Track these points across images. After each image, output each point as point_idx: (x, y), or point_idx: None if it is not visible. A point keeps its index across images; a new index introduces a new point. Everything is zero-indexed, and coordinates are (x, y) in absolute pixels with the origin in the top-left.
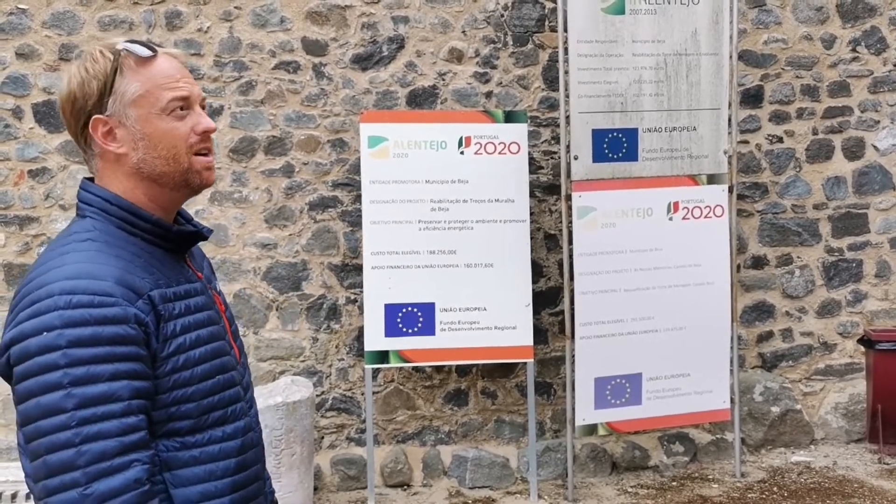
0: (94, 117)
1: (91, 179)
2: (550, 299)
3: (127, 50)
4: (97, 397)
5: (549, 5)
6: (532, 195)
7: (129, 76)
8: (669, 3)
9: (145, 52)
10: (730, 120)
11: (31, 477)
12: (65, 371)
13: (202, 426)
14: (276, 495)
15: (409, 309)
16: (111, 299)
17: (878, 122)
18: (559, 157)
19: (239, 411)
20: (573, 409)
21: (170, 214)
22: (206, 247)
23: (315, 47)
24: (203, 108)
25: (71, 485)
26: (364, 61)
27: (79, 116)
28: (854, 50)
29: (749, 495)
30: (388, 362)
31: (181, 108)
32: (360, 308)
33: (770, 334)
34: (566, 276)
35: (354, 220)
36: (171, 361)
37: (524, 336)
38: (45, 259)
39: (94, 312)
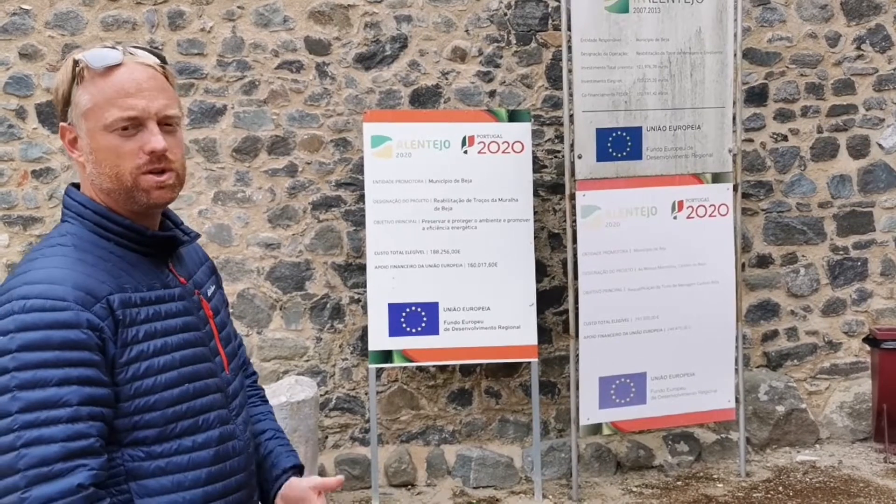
0: (60, 124)
1: (76, 186)
2: (554, 298)
3: (83, 60)
4: (42, 402)
5: (553, 4)
6: (536, 194)
7: (83, 87)
8: (673, 1)
9: (100, 63)
10: (734, 118)
11: None
12: (13, 374)
13: (169, 436)
14: None
15: (413, 308)
16: (63, 303)
17: (884, 120)
18: (563, 156)
19: (213, 420)
20: (577, 408)
21: (150, 220)
22: (209, 247)
23: (318, 47)
24: (170, 123)
25: (12, 489)
26: (367, 60)
27: (59, 119)
28: (859, 48)
29: (754, 495)
30: (391, 362)
31: (125, 128)
32: (364, 308)
33: (775, 333)
34: (570, 275)
35: (358, 219)
36: (132, 368)
37: (528, 335)
38: (20, 264)
39: (45, 316)
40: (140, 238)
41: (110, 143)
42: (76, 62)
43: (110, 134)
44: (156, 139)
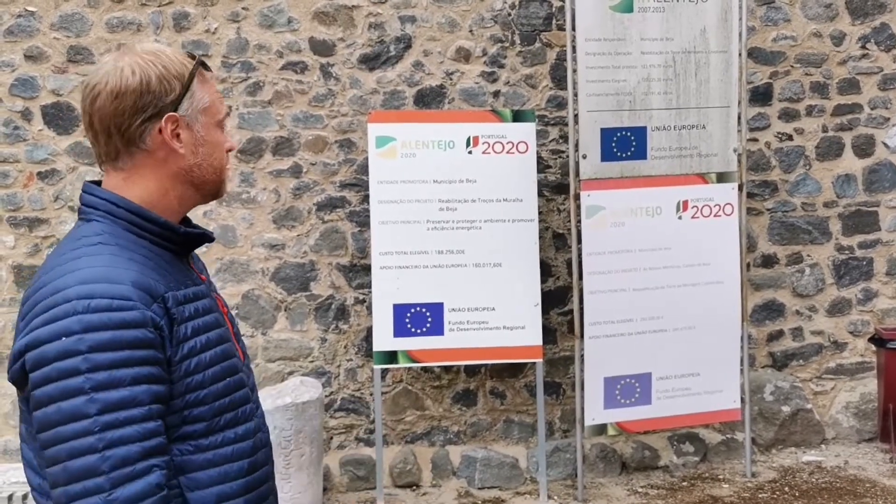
0: (168, 114)
1: (97, 183)
2: (559, 299)
3: (201, 59)
4: (119, 402)
5: (557, 4)
6: (540, 194)
7: (201, 84)
8: (678, 0)
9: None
10: (739, 118)
11: (50, 483)
12: (86, 376)
13: (215, 428)
14: (287, 495)
15: (418, 309)
16: (129, 303)
17: (889, 119)
18: (567, 156)
19: (249, 412)
20: (582, 408)
21: (179, 218)
22: (214, 248)
23: (322, 47)
24: None
25: (94, 490)
26: (371, 61)
27: (143, 109)
28: (864, 47)
29: (760, 495)
30: (396, 362)
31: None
32: (369, 308)
33: (780, 333)
34: (575, 275)
35: (362, 220)
36: (184, 365)
37: (533, 336)
38: (56, 264)
39: (113, 316)
40: (174, 236)
41: (220, 138)
42: (195, 59)
43: (218, 129)
44: (232, 138)
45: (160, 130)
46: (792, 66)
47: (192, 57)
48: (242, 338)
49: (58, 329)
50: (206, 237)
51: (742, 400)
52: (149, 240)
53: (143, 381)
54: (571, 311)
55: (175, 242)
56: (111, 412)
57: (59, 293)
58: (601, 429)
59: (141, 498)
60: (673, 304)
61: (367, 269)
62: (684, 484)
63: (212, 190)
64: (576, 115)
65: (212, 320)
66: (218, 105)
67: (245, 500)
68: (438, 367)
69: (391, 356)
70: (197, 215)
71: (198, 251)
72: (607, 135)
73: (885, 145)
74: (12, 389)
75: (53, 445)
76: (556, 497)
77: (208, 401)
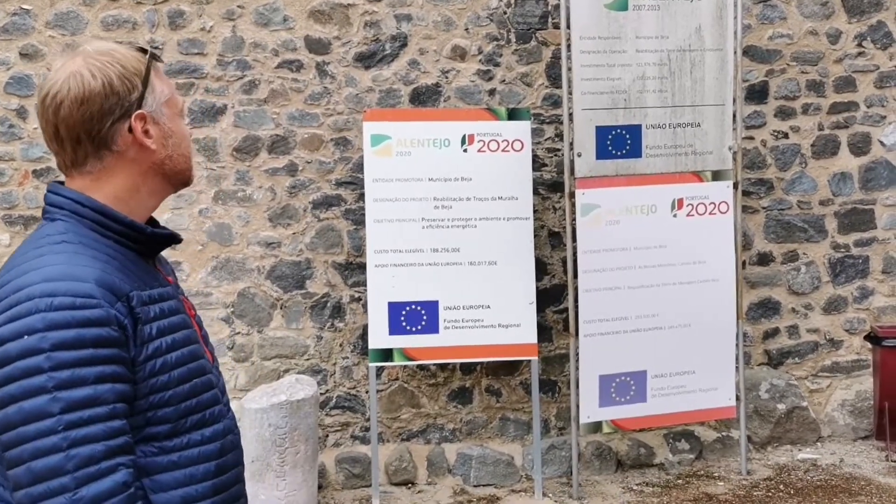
0: (138, 112)
1: (60, 184)
2: (554, 297)
3: (153, 53)
4: (83, 401)
5: (553, 2)
6: (535, 192)
7: (157, 77)
8: None
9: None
10: (734, 116)
11: (13, 485)
12: (49, 375)
13: (181, 430)
14: (282, 493)
15: (413, 307)
16: (93, 301)
17: (885, 117)
18: (563, 155)
19: (217, 414)
20: (578, 406)
21: (149, 214)
22: (210, 246)
23: (318, 46)
24: None
25: (59, 490)
26: (367, 59)
27: (111, 112)
28: (860, 45)
29: (755, 493)
30: (392, 360)
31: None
32: (364, 306)
33: (776, 331)
34: (570, 273)
35: (358, 218)
36: (149, 365)
37: (528, 334)
38: (17, 262)
39: (76, 314)
40: (139, 236)
41: (184, 128)
42: (147, 53)
43: (180, 119)
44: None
45: (130, 129)
46: (788, 65)
47: (143, 51)
48: (237, 336)
49: (20, 327)
50: (173, 238)
51: (737, 398)
52: (113, 239)
53: (107, 379)
54: (567, 309)
55: (140, 242)
56: (75, 411)
57: (22, 291)
58: (596, 426)
59: (107, 496)
60: (668, 301)
61: (362, 267)
62: (679, 481)
63: (182, 179)
64: (571, 114)
65: (178, 321)
66: (176, 95)
67: (212, 502)
68: (434, 364)
69: (386, 354)
70: (193, 213)
71: (194, 249)
72: (602, 133)
73: (881, 143)
74: None
75: (16, 446)
76: (551, 495)
77: (173, 402)
